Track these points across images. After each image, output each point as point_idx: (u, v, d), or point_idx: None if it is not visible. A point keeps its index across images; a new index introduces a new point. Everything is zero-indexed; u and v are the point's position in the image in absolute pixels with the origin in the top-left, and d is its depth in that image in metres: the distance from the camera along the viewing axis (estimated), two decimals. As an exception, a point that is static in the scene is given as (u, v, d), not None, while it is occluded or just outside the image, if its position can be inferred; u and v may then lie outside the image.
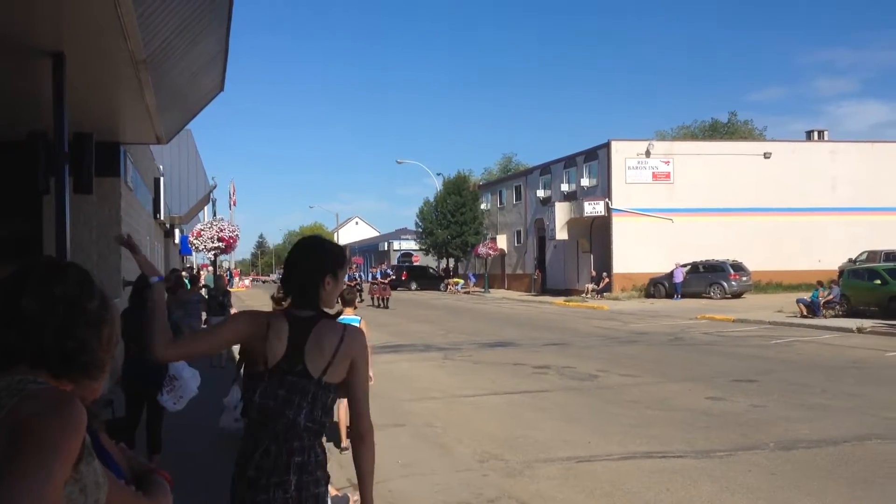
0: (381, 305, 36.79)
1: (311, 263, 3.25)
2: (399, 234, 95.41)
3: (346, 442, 9.52)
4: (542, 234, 50.23)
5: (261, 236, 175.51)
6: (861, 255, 38.89)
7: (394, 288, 39.53)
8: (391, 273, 45.55)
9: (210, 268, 37.49)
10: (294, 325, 3.16)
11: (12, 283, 1.76)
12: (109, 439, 2.08)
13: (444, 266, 63.92)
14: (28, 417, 1.56)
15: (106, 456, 1.93)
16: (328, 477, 3.20)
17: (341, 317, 9.80)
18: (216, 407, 10.60)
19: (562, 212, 45.03)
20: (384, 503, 7.36)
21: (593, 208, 42.61)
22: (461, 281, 56.72)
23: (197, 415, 10.73)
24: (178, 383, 7.13)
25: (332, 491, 6.76)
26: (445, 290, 56.79)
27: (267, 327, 3.15)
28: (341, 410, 9.63)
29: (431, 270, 64.56)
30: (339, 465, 8.60)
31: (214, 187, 45.34)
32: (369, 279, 46.05)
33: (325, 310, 3.28)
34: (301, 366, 3.10)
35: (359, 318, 9.67)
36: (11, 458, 1.51)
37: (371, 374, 9.65)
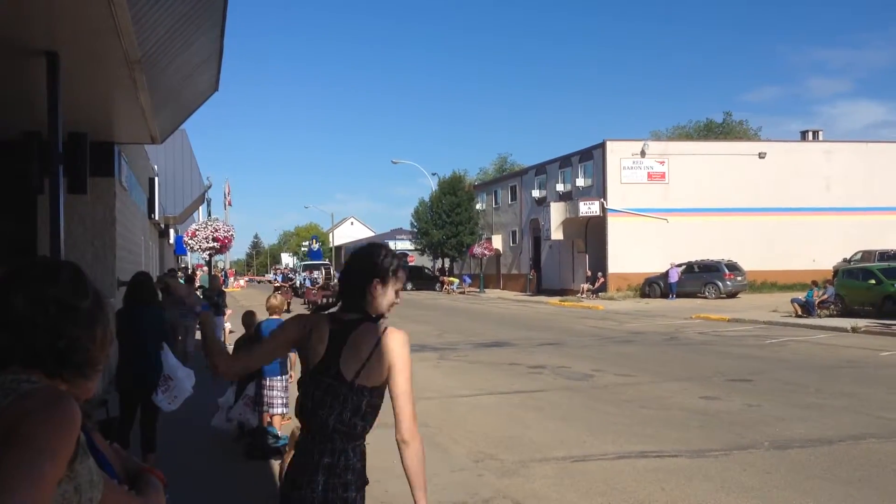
0: None
1: (359, 267, 3.30)
2: (394, 234, 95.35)
3: None
4: (538, 234, 50.24)
5: (256, 236, 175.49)
6: (855, 254, 39.00)
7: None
8: None
9: (205, 268, 37.53)
10: (335, 329, 3.21)
11: (4, 283, 1.76)
12: (103, 439, 2.08)
13: (440, 266, 63.87)
14: (21, 417, 1.55)
15: (99, 456, 1.92)
16: (363, 482, 3.19)
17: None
18: (207, 408, 10.59)
19: (557, 212, 45.07)
20: (379, 503, 7.35)
21: (588, 208, 42.65)
22: (456, 280, 56.60)
23: (192, 414, 10.72)
24: (173, 383, 7.12)
25: None
26: (441, 290, 56.80)
27: (311, 331, 3.22)
28: None
29: (427, 271, 64.56)
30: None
31: (209, 187, 45.28)
32: None
33: (372, 314, 3.28)
34: (336, 368, 3.14)
35: None
36: (3, 458, 1.50)
37: None
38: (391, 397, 3.24)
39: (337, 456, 3.12)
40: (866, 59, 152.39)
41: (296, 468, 3.17)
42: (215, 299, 17.67)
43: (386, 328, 3.23)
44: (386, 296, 3.27)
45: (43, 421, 1.56)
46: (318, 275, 41.38)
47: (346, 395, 3.12)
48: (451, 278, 57.31)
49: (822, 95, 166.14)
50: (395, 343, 3.18)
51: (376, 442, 9.94)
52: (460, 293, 52.56)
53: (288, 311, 29.52)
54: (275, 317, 9.64)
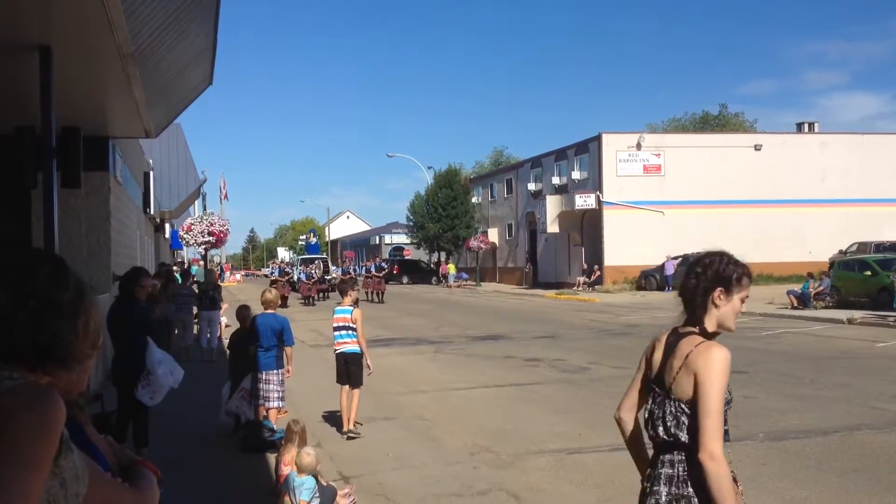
0: (376, 300, 36.42)
1: (701, 277, 3.25)
2: (390, 227, 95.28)
3: (347, 426, 9.63)
4: (534, 227, 50.21)
5: (252, 231, 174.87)
6: (851, 246, 39.02)
7: (385, 282, 38.71)
8: (385, 267, 43.74)
9: (201, 262, 37.46)
10: (670, 340, 3.25)
11: None
12: (96, 432, 2.07)
13: (436, 260, 63.82)
14: (4, 419, 1.53)
15: (92, 448, 1.92)
16: (707, 498, 3.04)
17: (337, 307, 9.72)
18: (204, 402, 10.61)
19: (553, 205, 45.03)
20: (375, 495, 7.37)
21: (584, 201, 42.60)
22: (452, 269, 56.21)
23: (188, 408, 10.73)
24: (153, 378, 7.12)
25: (321, 482, 6.77)
26: (438, 284, 56.75)
27: (655, 343, 3.32)
28: (343, 397, 9.76)
29: (423, 264, 64.52)
30: (330, 458, 8.61)
31: (204, 181, 45.11)
32: (363, 273, 45.75)
33: (711, 328, 3.25)
34: (662, 379, 3.20)
35: (350, 308, 9.74)
36: None
37: (369, 363, 9.73)
38: (696, 410, 3.13)
39: (675, 467, 3.15)
40: (862, 52, 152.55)
41: (647, 479, 3.25)
42: (211, 293, 17.66)
43: (702, 342, 3.17)
44: (730, 303, 3.24)
45: (24, 427, 1.53)
46: (315, 269, 40.88)
47: (667, 407, 3.16)
48: (451, 266, 56.95)
49: (818, 87, 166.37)
50: (705, 358, 3.11)
51: (370, 435, 9.98)
52: (456, 286, 52.51)
53: (284, 305, 29.45)
54: (269, 311, 9.63)
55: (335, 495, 6.60)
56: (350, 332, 9.75)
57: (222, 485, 7.62)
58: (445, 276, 55.89)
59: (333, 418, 10.84)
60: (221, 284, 22.34)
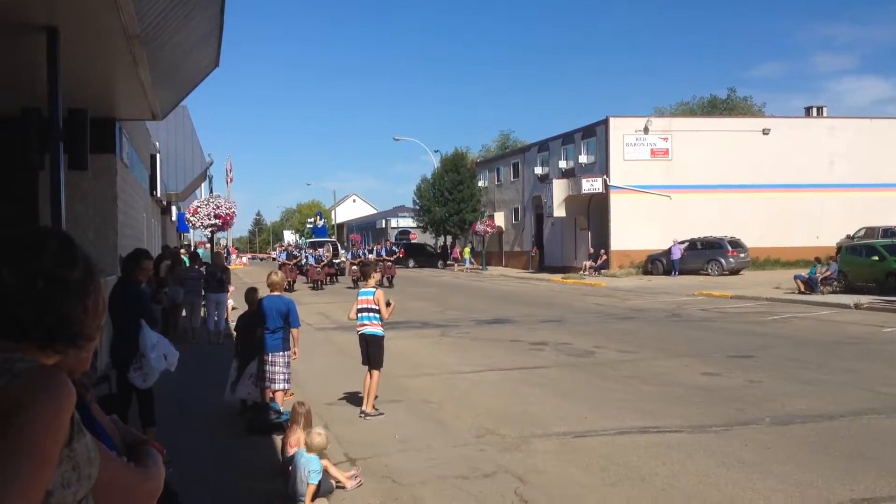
0: (386, 284, 36.01)
1: None
2: (396, 211, 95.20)
3: (367, 407, 9.76)
4: (540, 211, 50.10)
5: (258, 214, 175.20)
6: (859, 231, 38.89)
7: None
8: (396, 250, 42.05)
9: (207, 245, 37.47)
10: None
11: None
12: (101, 411, 2.07)
13: (443, 243, 63.78)
14: (15, 407, 1.52)
15: (98, 428, 1.92)
16: None
17: (361, 289, 9.84)
18: (211, 383, 10.64)
19: (559, 189, 44.92)
20: (381, 478, 7.39)
21: (591, 185, 42.50)
22: (467, 252, 55.48)
23: (194, 390, 10.78)
24: (145, 361, 7.14)
25: (332, 472, 6.80)
26: (444, 268, 56.66)
27: None
28: (366, 379, 9.89)
29: (429, 248, 64.51)
30: (337, 440, 8.64)
31: (211, 164, 45.13)
32: (373, 256, 44.97)
33: None
34: None
35: (373, 290, 9.95)
36: (0, 446, 1.49)
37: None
38: None
39: None
40: (872, 35, 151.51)
41: None
42: (219, 276, 17.67)
43: None
44: None
45: (35, 414, 1.52)
46: (324, 252, 40.25)
47: None
48: (466, 249, 56.10)
49: (828, 71, 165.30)
50: None
51: (377, 417, 9.97)
52: (460, 270, 52.43)
53: (291, 289, 29.44)
54: (276, 293, 9.66)
55: (331, 489, 6.72)
56: (373, 314, 9.94)
57: (229, 466, 7.65)
58: (459, 260, 55.17)
59: (340, 400, 10.89)
60: (229, 267, 22.30)
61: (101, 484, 1.71)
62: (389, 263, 36.33)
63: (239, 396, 9.77)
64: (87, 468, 1.66)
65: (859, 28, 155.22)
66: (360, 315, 10.00)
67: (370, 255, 38.08)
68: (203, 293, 18.03)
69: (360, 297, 10.05)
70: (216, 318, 17.28)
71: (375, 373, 9.88)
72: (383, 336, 10.03)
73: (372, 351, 9.90)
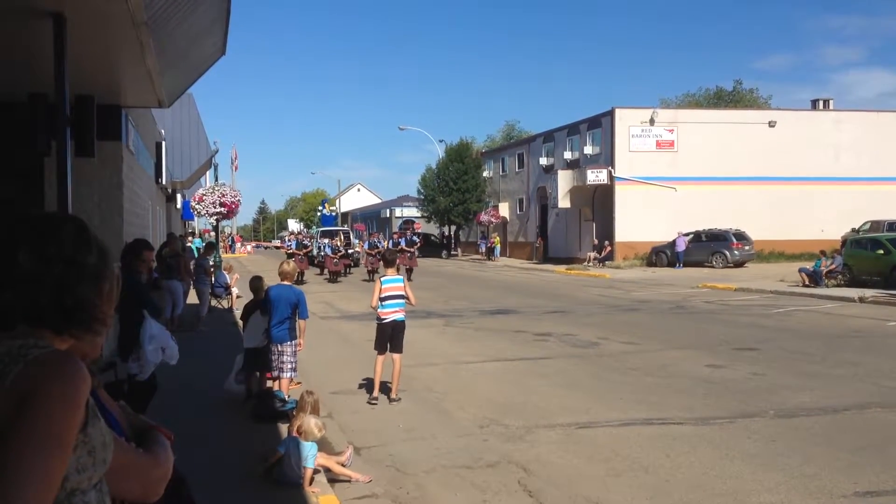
0: (406, 277, 33.26)
1: None
2: (401, 200, 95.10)
3: (376, 393, 9.85)
4: (545, 201, 50.06)
5: (262, 202, 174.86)
6: (864, 224, 38.77)
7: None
8: (417, 240, 36.29)
9: (212, 233, 37.41)
10: None
11: (5, 241, 1.70)
12: (109, 397, 2.08)
13: (447, 233, 63.75)
14: (31, 394, 1.52)
15: (106, 413, 1.92)
16: None
17: (385, 278, 9.97)
18: (217, 370, 10.66)
19: (564, 180, 44.84)
20: (385, 467, 7.41)
21: (596, 176, 42.39)
22: (498, 242, 53.82)
23: (200, 378, 10.80)
24: (142, 352, 7.16)
25: (336, 469, 6.82)
26: (448, 258, 56.66)
27: None
28: (378, 365, 9.97)
29: (433, 238, 64.49)
30: (341, 429, 8.67)
31: (216, 152, 45.11)
32: (389, 246, 41.03)
33: None
34: None
35: (402, 277, 10.16)
36: (18, 432, 1.49)
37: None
38: None
39: None
40: (880, 27, 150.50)
41: None
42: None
43: None
44: None
45: (51, 400, 1.52)
46: (337, 241, 36.76)
47: None
48: (497, 238, 54.19)
49: (834, 63, 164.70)
50: None
51: (381, 406, 10.01)
52: (468, 260, 52.36)
53: (301, 281, 29.04)
54: (286, 282, 9.65)
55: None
56: (402, 300, 10.16)
57: (234, 453, 7.67)
58: (492, 250, 53.56)
59: (345, 389, 10.90)
60: (233, 255, 22.14)
61: (111, 469, 1.72)
62: (410, 254, 32.73)
63: (239, 382, 9.83)
64: (102, 453, 1.66)
65: (867, 19, 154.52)
66: (387, 303, 10.11)
67: (385, 245, 34.87)
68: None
69: (384, 286, 10.11)
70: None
71: (398, 357, 10.12)
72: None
73: (398, 336, 10.16)
